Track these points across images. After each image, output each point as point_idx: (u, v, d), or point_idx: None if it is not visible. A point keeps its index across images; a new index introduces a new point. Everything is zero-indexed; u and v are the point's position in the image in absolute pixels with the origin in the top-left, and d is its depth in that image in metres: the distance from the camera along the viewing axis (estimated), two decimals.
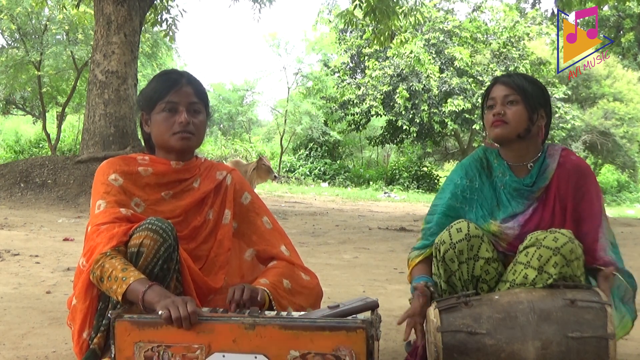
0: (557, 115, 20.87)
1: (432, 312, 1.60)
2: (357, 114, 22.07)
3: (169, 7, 11.38)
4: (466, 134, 23.10)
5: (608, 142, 23.93)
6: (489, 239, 1.79)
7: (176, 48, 21.45)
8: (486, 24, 21.54)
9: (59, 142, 18.98)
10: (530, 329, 1.51)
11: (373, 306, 1.55)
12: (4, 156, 20.67)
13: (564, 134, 21.68)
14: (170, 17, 11.46)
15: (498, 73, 19.47)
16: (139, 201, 1.74)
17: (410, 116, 20.51)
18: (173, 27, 11.54)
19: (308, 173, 23.12)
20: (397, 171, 24.03)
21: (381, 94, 20.72)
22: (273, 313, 1.55)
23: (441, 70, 20.45)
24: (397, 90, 20.29)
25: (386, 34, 10.51)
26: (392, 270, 4.12)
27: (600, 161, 26.16)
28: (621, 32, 20.97)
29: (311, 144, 24.78)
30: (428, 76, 19.86)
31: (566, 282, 1.62)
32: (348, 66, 22.97)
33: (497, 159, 1.93)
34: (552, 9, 15.06)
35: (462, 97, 19.93)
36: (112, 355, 1.42)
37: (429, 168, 24.58)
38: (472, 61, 20.24)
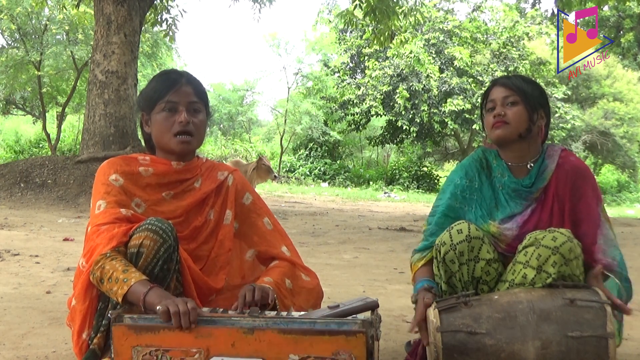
0: (557, 115, 20.87)
1: (432, 312, 1.60)
2: (357, 114, 22.08)
3: (169, 7, 11.39)
4: (466, 134, 23.10)
5: (608, 142, 23.93)
6: (489, 240, 1.80)
7: (176, 48, 21.47)
8: (486, 24, 21.55)
9: (59, 142, 18.99)
10: (530, 329, 1.51)
11: (373, 306, 1.55)
12: (4, 156, 20.68)
13: (564, 134, 21.69)
14: (170, 17, 11.48)
15: (498, 73, 19.50)
16: (140, 201, 1.74)
17: (410, 116, 20.52)
18: (173, 27, 11.56)
19: (308, 173, 23.12)
20: (397, 171, 24.04)
21: (381, 94, 20.72)
22: (273, 313, 1.55)
23: (441, 70, 20.46)
24: (397, 90, 20.29)
25: (386, 34, 10.51)
26: (392, 270, 4.12)
27: (600, 161, 26.17)
28: (621, 32, 20.96)
29: (311, 144, 24.79)
30: (428, 76, 19.87)
31: (565, 281, 1.62)
32: (348, 66, 22.98)
33: (496, 160, 1.93)
34: (552, 9, 15.06)
35: (462, 97, 19.94)
36: (112, 356, 1.42)
37: (429, 168, 24.59)
38: (472, 61, 20.25)
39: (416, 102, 20.38)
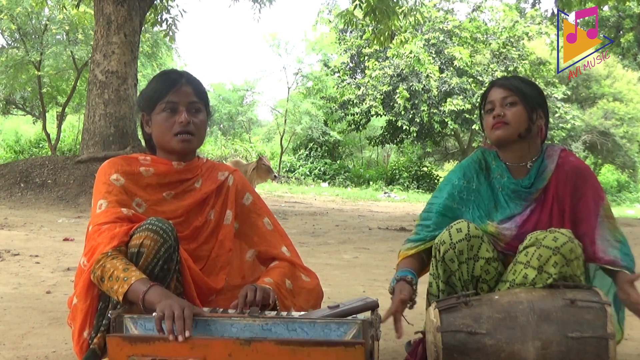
0: (557, 115, 20.88)
1: (432, 312, 1.60)
2: (357, 114, 22.07)
3: (169, 7, 11.39)
4: (466, 134, 23.11)
5: (608, 142, 23.94)
6: (488, 239, 1.80)
7: (176, 48, 21.47)
8: (486, 24, 21.54)
9: (59, 142, 18.98)
10: (530, 329, 1.51)
11: (373, 306, 1.55)
12: (4, 156, 20.67)
13: (563, 134, 21.69)
14: (170, 17, 11.48)
15: (498, 73, 19.49)
16: (141, 201, 1.75)
17: (410, 116, 20.52)
18: (173, 27, 11.56)
19: (308, 173, 23.12)
20: (397, 171, 24.04)
21: (381, 94, 20.72)
22: (273, 313, 1.54)
23: (441, 70, 20.46)
24: (397, 90, 20.29)
25: (386, 34, 10.51)
26: (392, 270, 4.10)
27: (600, 161, 26.16)
28: (621, 32, 20.96)
29: (311, 144, 24.79)
30: (428, 76, 19.87)
31: (566, 281, 1.62)
32: (348, 66, 22.98)
33: (495, 161, 1.93)
34: (552, 9, 15.06)
35: (462, 97, 19.94)
36: None
37: (429, 168, 24.59)
38: (471, 61, 20.25)
39: (416, 102, 20.38)
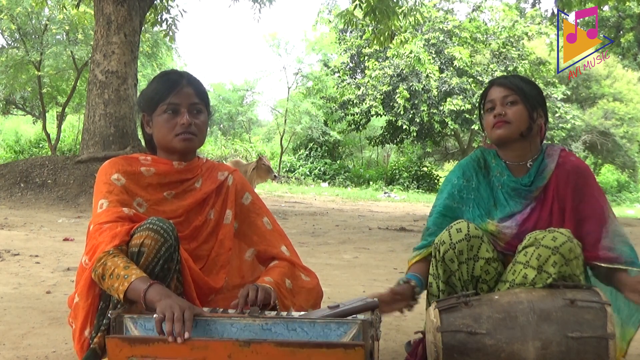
0: (557, 115, 20.88)
1: (432, 312, 1.60)
2: (357, 114, 22.07)
3: (169, 7, 11.39)
4: (466, 134, 23.11)
5: (608, 142, 23.95)
6: (488, 239, 1.80)
7: (176, 48, 21.48)
8: (486, 24, 21.54)
9: (59, 142, 18.98)
10: (530, 329, 1.51)
11: (373, 306, 1.55)
12: (4, 156, 20.67)
13: (563, 134, 21.69)
14: (170, 17, 11.49)
15: (497, 73, 19.49)
16: (141, 201, 1.75)
17: (410, 116, 20.52)
18: (173, 27, 11.56)
19: (308, 173, 23.12)
20: (397, 171, 24.04)
21: (381, 94, 20.72)
22: (273, 313, 1.54)
23: (441, 70, 20.46)
24: (397, 90, 20.29)
25: (386, 34, 10.51)
26: (392, 270, 4.13)
27: (600, 161, 26.18)
28: (621, 32, 20.95)
29: (311, 144, 24.79)
30: (428, 76, 19.87)
31: (566, 281, 1.62)
32: (348, 66, 22.98)
33: (494, 159, 1.93)
34: (552, 9, 15.06)
35: (461, 97, 19.95)
36: None
37: (429, 168, 24.59)
38: (471, 61, 20.25)
39: (416, 102, 20.38)
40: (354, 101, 21.55)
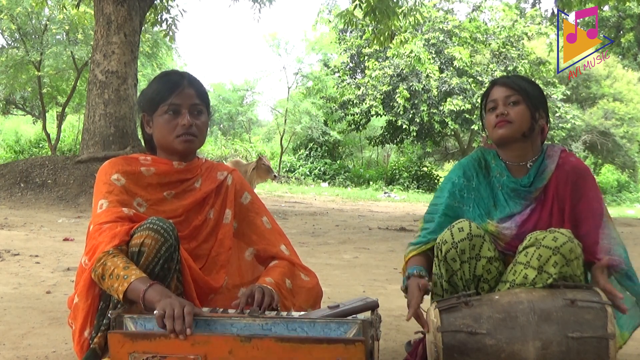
0: (557, 115, 20.88)
1: (432, 312, 1.60)
2: (357, 114, 22.07)
3: (169, 7, 11.39)
4: (466, 134, 23.11)
5: (608, 142, 23.96)
6: (490, 238, 1.80)
7: (176, 48, 21.46)
8: (486, 24, 21.54)
9: (59, 142, 18.97)
10: (530, 329, 1.51)
11: (373, 306, 1.55)
12: (4, 156, 20.66)
13: (564, 134, 21.70)
14: (170, 17, 11.48)
15: (497, 73, 19.50)
16: (141, 201, 1.75)
17: (410, 116, 20.52)
18: (173, 27, 11.56)
19: (308, 173, 23.11)
20: (397, 171, 24.03)
21: (381, 94, 20.72)
22: (273, 313, 1.54)
23: (441, 70, 20.46)
24: (397, 90, 20.29)
25: (386, 34, 10.51)
26: (392, 270, 4.13)
27: (600, 161, 26.18)
28: (621, 32, 20.96)
29: (311, 144, 24.78)
30: (428, 76, 19.88)
31: (566, 281, 1.62)
32: (348, 66, 22.98)
33: (494, 160, 1.93)
34: (552, 9, 15.06)
35: (461, 97, 19.95)
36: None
37: (429, 168, 24.59)
38: (471, 61, 20.25)
39: (416, 102, 20.38)
40: (354, 101, 21.55)
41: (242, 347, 1.34)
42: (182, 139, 1.75)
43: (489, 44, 20.99)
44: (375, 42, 10.87)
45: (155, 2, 10.59)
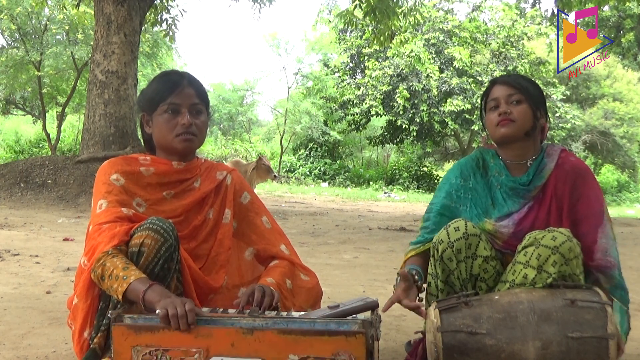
0: (557, 115, 20.88)
1: (432, 312, 1.60)
2: (357, 114, 22.07)
3: (169, 7, 11.39)
4: (466, 134, 23.11)
5: (608, 142, 23.96)
6: (486, 238, 1.80)
7: (176, 48, 21.46)
8: (485, 24, 21.55)
9: (59, 142, 18.97)
10: (530, 329, 1.51)
11: (373, 306, 1.55)
12: (4, 156, 20.66)
13: (564, 134, 21.69)
14: (170, 17, 11.48)
15: (497, 73, 19.49)
16: (141, 201, 1.75)
17: (410, 116, 20.52)
18: (173, 27, 11.56)
19: (308, 173, 23.11)
20: (397, 171, 24.04)
21: (381, 94, 20.72)
22: (273, 313, 1.55)
23: (441, 70, 20.46)
24: (397, 90, 20.29)
25: (386, 34, 10.51)
26: (392, 270, 4.12)
27: (600, 161, 26.18)
28: (621, 32, 20.95)
29: (311, 144, 24.78)
30: (428, 76, 19.88)
31: (566, 281, 1.62)
32: (348, 66, 22.98)
33: (493, 159, 1.93)
34: (552, 9, 15.06)
35: (461, 97, 19.95)
36: (112, 356, 1.42)
37: (429, 168, 24.59)
38: (471, 61, 20.25)
39: (416, 102, 20.38)
40: (354, 101, 21.55)
41: (244, 340, 1.36)
42: (181, 138, 1.76)
43: (489, 44, 20.99)
44: (375, 42, 10.87)
45: (155, 2, 10.59)
